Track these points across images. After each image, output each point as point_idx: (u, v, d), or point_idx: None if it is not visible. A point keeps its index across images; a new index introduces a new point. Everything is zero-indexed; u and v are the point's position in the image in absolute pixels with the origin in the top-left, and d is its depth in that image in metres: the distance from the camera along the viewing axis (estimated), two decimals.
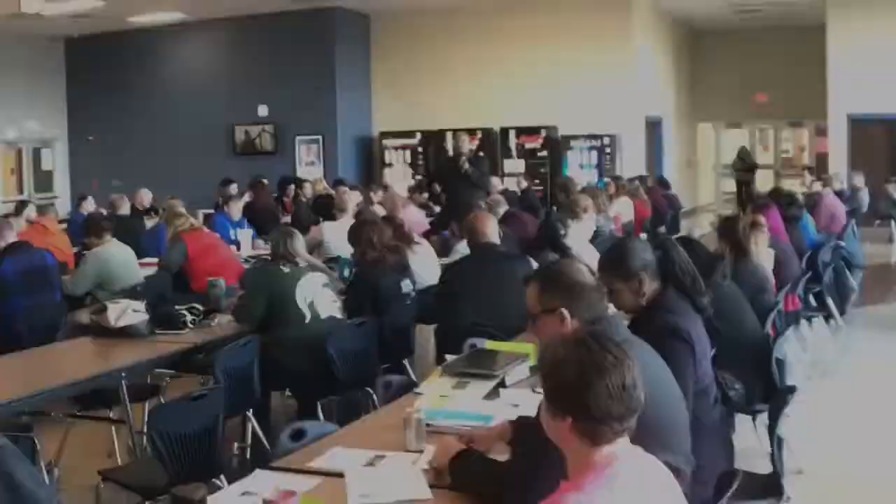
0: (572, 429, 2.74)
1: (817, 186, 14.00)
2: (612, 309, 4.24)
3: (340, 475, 3.75)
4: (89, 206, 14.30)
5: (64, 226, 13.48)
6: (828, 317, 10.53)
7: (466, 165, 13.24)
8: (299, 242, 7.14)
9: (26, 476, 2.71)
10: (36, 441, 5.34)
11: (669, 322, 4.31)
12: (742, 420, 6.32)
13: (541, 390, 2.89)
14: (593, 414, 2.71)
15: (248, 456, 6.30)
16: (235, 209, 12.24)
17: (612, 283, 4.50)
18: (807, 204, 12.61)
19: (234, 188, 15.77)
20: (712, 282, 6.19)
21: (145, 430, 4.88)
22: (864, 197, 17.31)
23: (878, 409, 8.12)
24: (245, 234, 11.50)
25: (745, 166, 26.60)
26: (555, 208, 13.49)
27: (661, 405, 3.61)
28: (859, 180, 17.54)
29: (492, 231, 7.29)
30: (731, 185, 27.30)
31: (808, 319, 9.50)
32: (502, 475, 3.52)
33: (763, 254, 7.69)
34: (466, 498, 3.50)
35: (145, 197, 14.73)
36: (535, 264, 6.96)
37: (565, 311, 3.82)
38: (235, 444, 6.41)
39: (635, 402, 2.76)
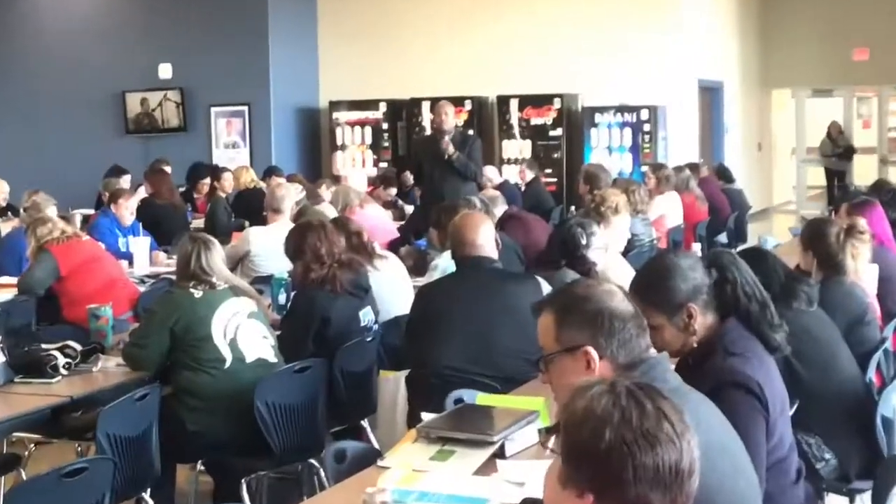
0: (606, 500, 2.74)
1: None
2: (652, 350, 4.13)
3: None
4: None
5: None
6: None
7: (450, 149, 13.21)
8: (217, 255, 7.09)
9: None
10: None
11: (733, 368, 4.30)
12: (835, 501, 6.36)
13: (557, 450, 2.88)
14: (627, 497, 2.71)
15: None
16: (126, 209, 12.19)
17: (649, 316, 4.38)
18: None
19: (125, 180, 15.74)
20: (792, 310, 6.22)
21: None
22: None
23: None
24: (140, 244, 11.45)
25: (838, 150, 26.75)
26: (573, 208, 13.51)
27: (723, 480, 3.63)
28: None
29: (485, 240, 7.15)
30: (818, 176, 27.42)
31: None
32: None
33: (863, 271, 7.68)
34: None
35: (1, 191, 14.69)
36: (546, 286, 6.91)
37: (592, 351, 3.78)
38: None
39: (685, 495, 2.78)
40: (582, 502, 2.76)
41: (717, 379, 4.22)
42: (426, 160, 13.50)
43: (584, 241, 8.16)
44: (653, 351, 3.96)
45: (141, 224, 12.58)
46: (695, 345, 4.48)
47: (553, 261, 8.15)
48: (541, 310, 3.98)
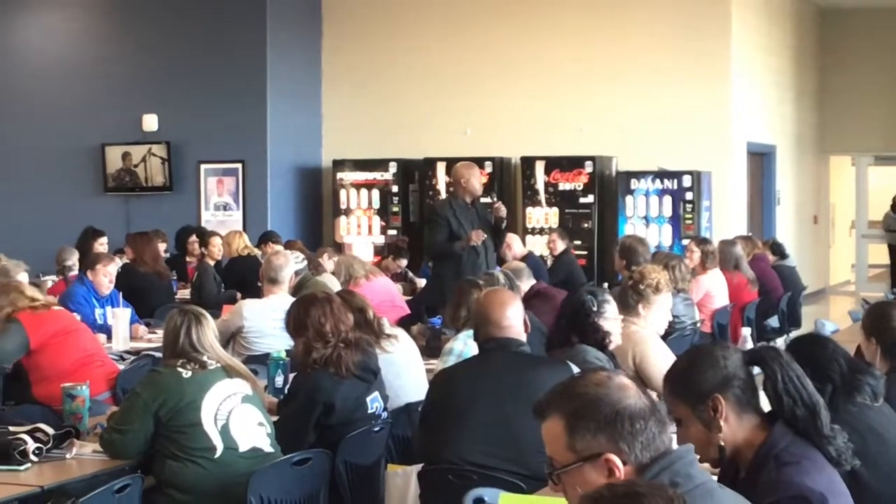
0: None
1: None
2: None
3: None
4: None
5: None
6: None
7: (502, 213, 13.25)
8: (209, 330, 7.10)
9: None
10: None
11: (790, 481, 4.24)
12: None
13: None
14: None
15: None
16: (105, 276, 12.19)
17: (675, 409, 4.52)
18: None
19: (102, 243, 15.77)
20: (857, 405, 6.21)
21: None
22: None
23: None
24: (120, 316, 11.45)
25: None
26: (606, 286, 13.50)
27: None
28: None
29: (513, 320, 7.13)
30: (881, 254, 27.42)
31: None
32: None
33: None
34: None
35: None
36: (576, 370, 6.88)
37: (615, 458, 3.75)
38: None
39: None
40: None
41: (772, 494, 4.17)
42: (455, 226, 13.42)
43: (595, 308, 8.16)
44: (669, 443, 3.97)
45: (121, 294, 12.61)
46: (721, 443, 4.44)
47: (562, 336, 8.12)
48: (544, 413, 3.87)
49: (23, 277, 11.12)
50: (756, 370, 4.66)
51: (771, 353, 4.72)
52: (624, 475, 3.68)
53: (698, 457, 4.00)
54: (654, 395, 5.01)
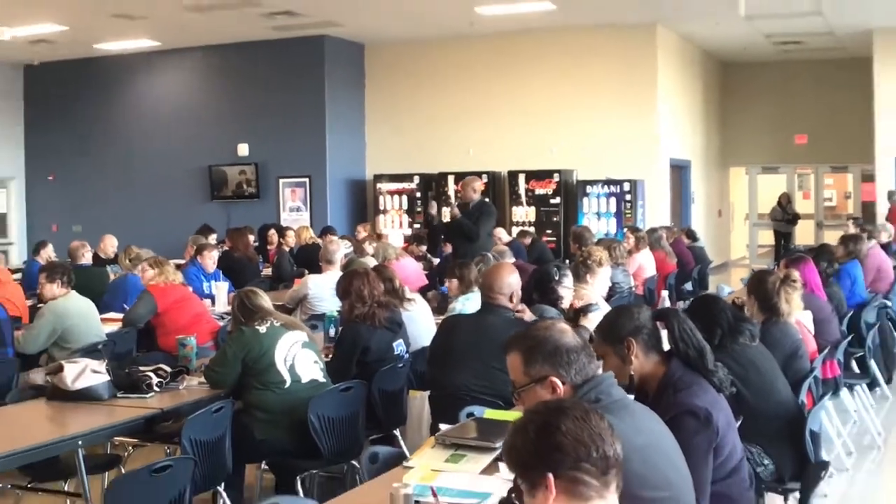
0: (558, 488, 2.81)
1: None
2: None
3: None
4: (47, 253, 14.30)
5: (18, 276, 13.54)
6: (872, 384, 10.54)
7: (457, 212, 13.19)
8: (261, 298, 7.11)
9: None
10: None
11: (682, 401, 4.33)
12: (771, 499, 6.35)
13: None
14: (568, 452, 2.81)
15: None
16: (210, 260, 12.22)
17: (600, 348, 4.60)
18: (860, 258, 12.60)
19: (212, 238, 15.79)
20: (739, 344, 6.24)
21: None
22: None
23: None
24: (221, 288, 11.48)
25: (785, 216, 26.70)
26: (567, 261, 13.51)
27: (657, 470, 3.70)
28: None
29: (503, 289, 7.10)
30: (767, 237, 27.38)
31: (850, 387, 9.50)
32: None
33: (796, 313, 7.68)
34: None
35: (110, 244, 14.73)
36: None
37: (557, 380, 3.84)
38: None
39: (609, 445, 2.86)
40: (547, 490, 2.81)
41: (670, 410, 4.22)
42: (444, 225, 13.46)
43: (556, 278, 8.20)
44: (601, 371, 4.05)
45: (222, 272, 12.64)
46: (633, 374, 4.52)
47: (528, 296, 8.15)
48: (508, 350, 4.02)
49: None
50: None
51: (671, 312, 4.78)
52: (563, 393, 3.80)
53: (616, 381, 4.06)
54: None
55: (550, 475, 2.81)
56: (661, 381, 4.51)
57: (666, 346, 4.63)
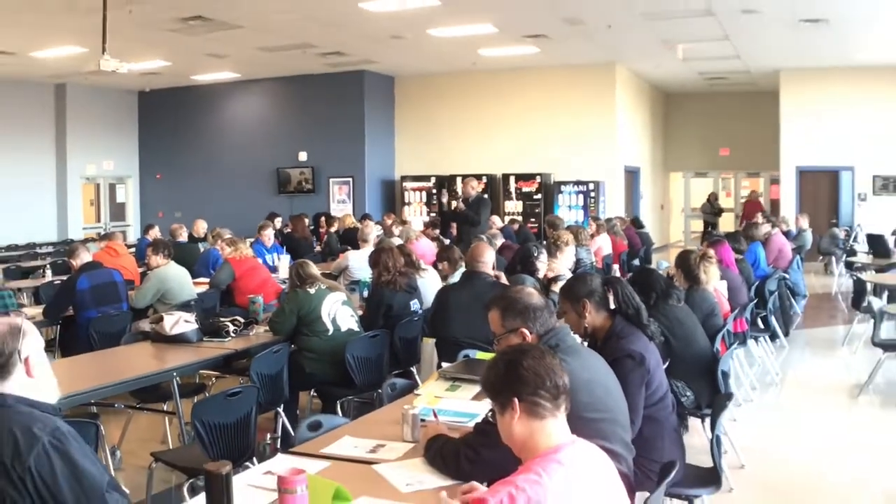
0: (521, 409, 2.85)
1: (767, 227, 13.97)
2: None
3: (346, 459, 3.83)
4: (154, 233, 14.39)
5: (132, 249, 13.63)
6: (774, 337, 10.58)
7: (461, 206, 13.26)
8: (311, 268, 7.13)
9: (80, 455, 2.79)
10: (101, 428, 5.39)
11: (622, 346, 4.36)
12: (693, 421, 6.40)
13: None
14: (528, 382, 2.86)
15: (277, 445, 6.33)
16: (267, 237, 12.26)
17: (563, 305, 4.66)
18: (761, 240, 12.63)
19: (278, 221, 15.84)
20: (669, 305, 6.28)
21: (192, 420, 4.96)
22: (809, 237, 17.35)
23: (813, 414, 8.18)
24: (284, 260, 11.52)
25: (713, 210, 26.69)
26: (544, 242, 13.52)
27: (599, 399, 3.73)
28: (804, 222, 17.59)
29: (485, 260, 7.17)
30: (697, 225, 27.32)
31: (756, 339, 9.54)
32: (456, 448, 3.63)
33: (713, 283, 7.71)
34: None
35: (201, 226, 14.81)
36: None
37: (526, 331, 3.91)
38: (268, 435, 6.48)
39: (560, 378, 2.90)
40: (513, 410, 2.87)
41: (613, 354, 4.26)
42: (451, 214, 13.51)
43: (535, 254, 8.26)
44: (560, 323, 4.09)
45: (284, 248, 12.69)
46: (587, 327, 4.55)
47: (513, 267, 8.21)
48: (490, 307, 4.07)
49: None
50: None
51: (616, 280, 4.80)
52: (530, 340, 3.84)
53: (573, 332, 4.11)
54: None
55: (515, 399, 2.87)
56: (608, 332, 4.55)
57: (612, 306, 4.66)
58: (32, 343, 2.94)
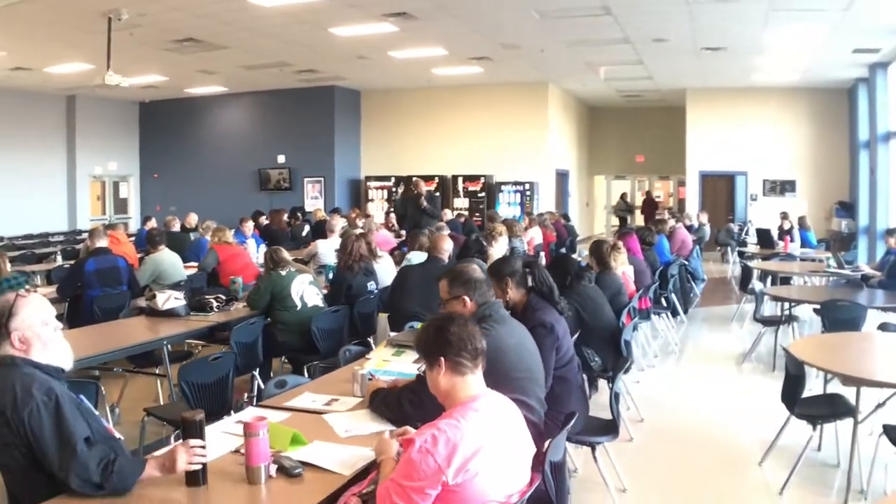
0: (445, 366, 2.95)
1: (672, 222, 14.21)
2: None
3: (304, 411, 3.92)
4: (151, 224, 14.29)
5: (132, 238, 13.55)
6: (675, 313, 10.78)
7: (425, 203, 13.31)
8: (283, 253, 7.15)
9: (66, 413, 2.89)
10: (102, 388, 5.43)
11: (536, 317, 4.46)
12: (601, 383, 6.54)
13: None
14: (453, 344, 2.95)
15: (254, 403, 6.38)
16: (246, 227, 12.23)
17: (491, 282, 4.72)
18: (666, 234, 12.84)
19: (263, 220, 15.81)
20: (582, 285, 6.42)
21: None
22: (708, 230, 17.63)
23: (704, 378, 8.37)
24: (262, 249, 11.48)
25: (626, 207, 26.95)
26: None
27: (521, 361, 3.85)
28: (704, 218, 17.88)
29: (445, 248, 7.29)
30: (616, 220, 27.59)
31: (659, 315, 9.73)
32: (398, 395, 3.75)
33: (621, 268, 7.86)
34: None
35: (192, 219, 14.73)
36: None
37: (466, 298, 4.02)
38: (245, 394, 6.50)
39: (479, 342, 3.00)
40: (439, 367, 2.97)
41: (531, 323, 4.34)
42: (412, 209, 13.56)
43: (485, 244, 8.37)
44: (494, 298, 4.20)
45: (263, 237, 12.66)
46: (508, 300, 4.63)
47: (464, 253, 8.31)
48: (441, 278, 4.17)
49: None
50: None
51: (534, 262, 4.89)
52: (469, 307, 3.94)
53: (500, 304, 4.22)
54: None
55: (442, 358, 2.97)
56: (525, 305, 4.64)
57: (530, 284, 4.78)
58: (27, 319, 3.01)
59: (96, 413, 3.17)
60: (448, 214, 16.47)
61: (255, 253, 11.04)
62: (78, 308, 7.98)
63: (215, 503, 2.88)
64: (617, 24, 13.04)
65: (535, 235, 13.69)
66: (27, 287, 6.75)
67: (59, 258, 11.96)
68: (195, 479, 2.93)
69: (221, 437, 3.45)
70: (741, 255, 14.65)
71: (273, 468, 3.06)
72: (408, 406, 3.66)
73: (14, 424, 2.80)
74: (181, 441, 2.99)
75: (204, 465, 2.95)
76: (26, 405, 2.82)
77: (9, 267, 7.11)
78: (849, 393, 5.19)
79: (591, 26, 13.20)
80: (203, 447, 2.95)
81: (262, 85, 20.31)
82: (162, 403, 6.63)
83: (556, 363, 4.44)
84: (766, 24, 12.70)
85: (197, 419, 2.90)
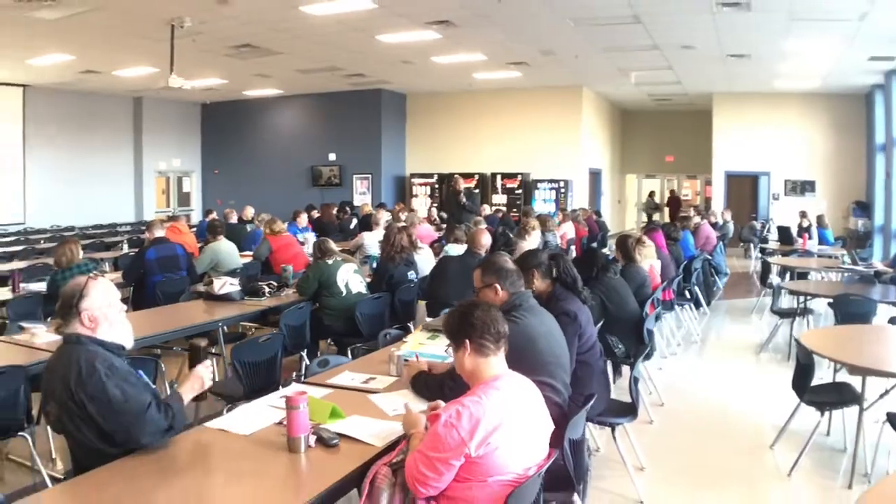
0: (470, 348, 2.99)
1: (697, 219, 14.10)
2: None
3: (344, 388, 3.99)
4: (212, 216, 14.50)
5: (194, 229, 13.76)
6: (698, 305, 10.71)
7: (464, 199, 13.34)
8: (330, 244, 7.21)
9: (127, 384, 3.01)
10: (162, 365, 5.60)
11: (561, 307, 4.45)
12: (624, 369, 6.54)
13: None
14: (477, 328, 2.99)
15: (301, 381, 6.48)
16: (300, 220, 12.35)
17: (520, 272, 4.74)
18: (691, 230, 12.75)
19: (315, 213, 15.96)
20: (608, 277, 6.42)
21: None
22: (731, 227, 17.46)
23: (723, 366, 8.32)
24: (309, 238, 11.61)
25: (653, 205, 26.74)
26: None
27: (550, 348, 3.87)
28: (729, 215, 17.70)
29: (482, 243, 7.34)
30: (645, 217, 27.40)
31: (682, 306, 9.68)
32: (440, 380, 3.80)
33: (645, 261, 7.83)
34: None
35: (249, 211, 14.90)
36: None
37: (498, 286, 4.05)
38: (294, 373, 6.60)
39: (501, 326, 3.04)
40: (465, 349, 3.01)
41: (555, 311, 4.30)
42: (452, 205, 13.57)
43: (511, 237, 8.37)
44: (523, 287, 4.22)
45: (313, 229, 12.77)
46: (534, 290, 4.59)
47: (496, 246, 8.32)
48: (476, 267, 4.17)
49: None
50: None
51: (559, 255, 4.84)
52: (501, 296, 3.93)
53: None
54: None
55: (467, 340, 3.02)
56: (550, 295, 4.64)
57: (554, 275, 4.79)
58: (96, 300, 3.13)
59: (153, 386, 3.27)
60: (486, 210, 16.46)
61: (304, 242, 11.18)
62: (142, 293, 8.14)
63: (260, 469, 2.97)
64: (646, 32, 12.95)
65: (568, 230, 13.62)
66: (95, 272, 6.92)
67: (126, 247, 12.21)
68: (203, 395, 3.52)
69: (267, 410, 3.54)
70: (762, 251, 14.49)
71: (312, 438, 3.14)
72: (448, 391, 3.70)
73: (78, 397, 2.91)
74: (198, 365, 3.50)
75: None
76: (91, 377, 2.93)
77: (80, 254, 7.28)
78: (856, 382, 5.15)
79: (622, 34, 13.13)
80: (209, 367, 3.51)
81: (315, 88, 20.47)
82: (216, 380, 6.72)
83: (579, 349, 4.44)
84: (787, 33, 12.55)
85: (201, 345, 3.55)
